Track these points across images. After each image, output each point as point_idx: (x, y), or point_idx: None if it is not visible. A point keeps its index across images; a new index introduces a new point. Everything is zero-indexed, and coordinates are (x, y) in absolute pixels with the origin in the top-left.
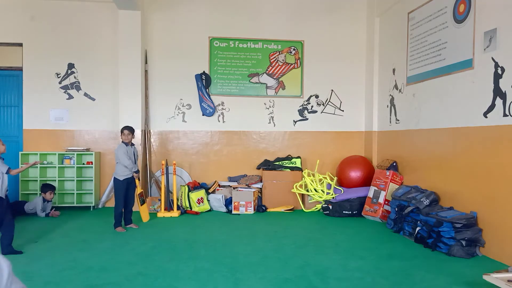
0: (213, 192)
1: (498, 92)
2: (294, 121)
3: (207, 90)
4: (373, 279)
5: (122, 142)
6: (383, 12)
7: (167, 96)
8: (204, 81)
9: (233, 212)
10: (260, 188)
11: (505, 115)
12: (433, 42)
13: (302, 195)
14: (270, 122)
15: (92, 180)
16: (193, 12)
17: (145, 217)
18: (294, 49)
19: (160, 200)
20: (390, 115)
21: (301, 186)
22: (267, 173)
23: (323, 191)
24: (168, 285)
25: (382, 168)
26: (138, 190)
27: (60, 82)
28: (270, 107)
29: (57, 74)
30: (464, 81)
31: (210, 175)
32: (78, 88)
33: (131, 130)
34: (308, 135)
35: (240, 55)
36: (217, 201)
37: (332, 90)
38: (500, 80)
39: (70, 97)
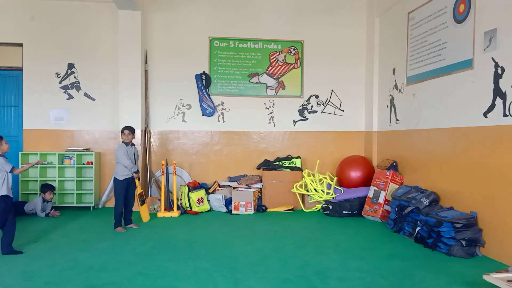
0: (213, 192)
1: (498, 92)
2: (294, 121)
3: (207, 90)
4: (373, 279)
5: (123, 142)
6: (383, 12)
7: (167, 96)
8: (204, 81)
9: (233, 212)
10: (260, 188)
11: (505, 115)
12: (433, 42)
13: (302, 195)
14: (270, 122)
15: (92, 180)
16: (193, 12)
17: (145, 217)
18: (294, 49)
19: (160, 200)
20: (390, 115)
21: (301, 186)
22: (267, 173)
23: (323, 191)
24: (168, 285)
25: (382, 168)
26: (138, 190)
27: (60, 82)
28: (270, 107)
29: (57, 74)
30: (464, 81)
31: (210, 175)
32: (78, 88)
33: (131, 130)
34: (308, 135)
35: (240, 55)
36: (217, 201)
37: (332, 90)
38: (500, 80)
39: (70, 97)
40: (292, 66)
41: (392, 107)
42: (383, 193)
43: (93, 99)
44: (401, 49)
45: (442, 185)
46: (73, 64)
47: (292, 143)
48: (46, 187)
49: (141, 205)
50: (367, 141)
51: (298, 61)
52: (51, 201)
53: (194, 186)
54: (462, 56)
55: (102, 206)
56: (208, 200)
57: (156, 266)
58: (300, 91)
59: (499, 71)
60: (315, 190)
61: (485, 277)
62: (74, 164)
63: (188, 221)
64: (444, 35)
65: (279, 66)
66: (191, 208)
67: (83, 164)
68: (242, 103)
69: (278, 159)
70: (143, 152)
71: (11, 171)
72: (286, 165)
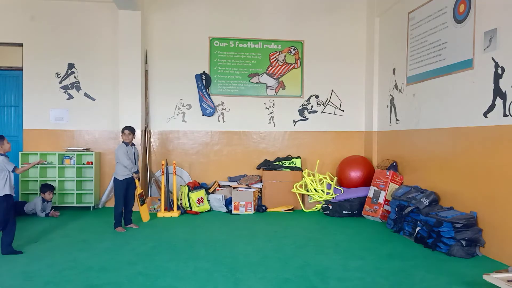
0: (213, 192)
1: (498, 92)
2: (294, 121)
3: (207, 90)
4: (373, 279)
5: (123, 142)
6: (383, 12)
7: (167, 96)
8: (204, 81)
9: (233, 212)
10: (260, 188)
11: (505, 115)
12: (433, 42)
13: (302, 195)
14: (270, 122)
15: (92, 180)
16: (193, 12)
17: (145, 217)
18: (294, 49)
19: (160, 200)
20: (390, 115)
21: (301, 186)
22: (267, 173)
23: (323, 191)
24: (168, 285)
25: (382, 168)
26: (138, 190)
27: (60, 82)
28: (270, 107)
29: (57, 74)
30: (464, 81)
31: (210, 175)
32: (78, 88)
33: (132, 130)
34: (308, 135)
35: (240, 55)
36: (217, 201)
37: (332, 90)
38: (500, 80)
39: (70, 97)
40: (292, 66)
41: (392, 107)
42: (383, 193)
43: (93, 99)
44: (401, 49)
45: (442, 185)
46: (73, 64)
47: (292, 143)
48: (46, 187)
49: (141, 205)
50: (367, 141)
51: (298, 61)
52: (51, 201)
53: (194, 186)
54: (462, 56)
55: (102, 206)
56: (208, 200)
57: (156, 266)
58: (300, 91)
59: (499, 71)
60: (315, 190)
61: (485, 277)
62: (74, 164)
63: (188, 221)
64: (444, 35)
65: (279, 66)
66: (191, 208)
67: (83, 164)
68: (242, 103)
69: (278, 159)
70: (143, 152)
71: (13, 171)
72: (286, 165)
